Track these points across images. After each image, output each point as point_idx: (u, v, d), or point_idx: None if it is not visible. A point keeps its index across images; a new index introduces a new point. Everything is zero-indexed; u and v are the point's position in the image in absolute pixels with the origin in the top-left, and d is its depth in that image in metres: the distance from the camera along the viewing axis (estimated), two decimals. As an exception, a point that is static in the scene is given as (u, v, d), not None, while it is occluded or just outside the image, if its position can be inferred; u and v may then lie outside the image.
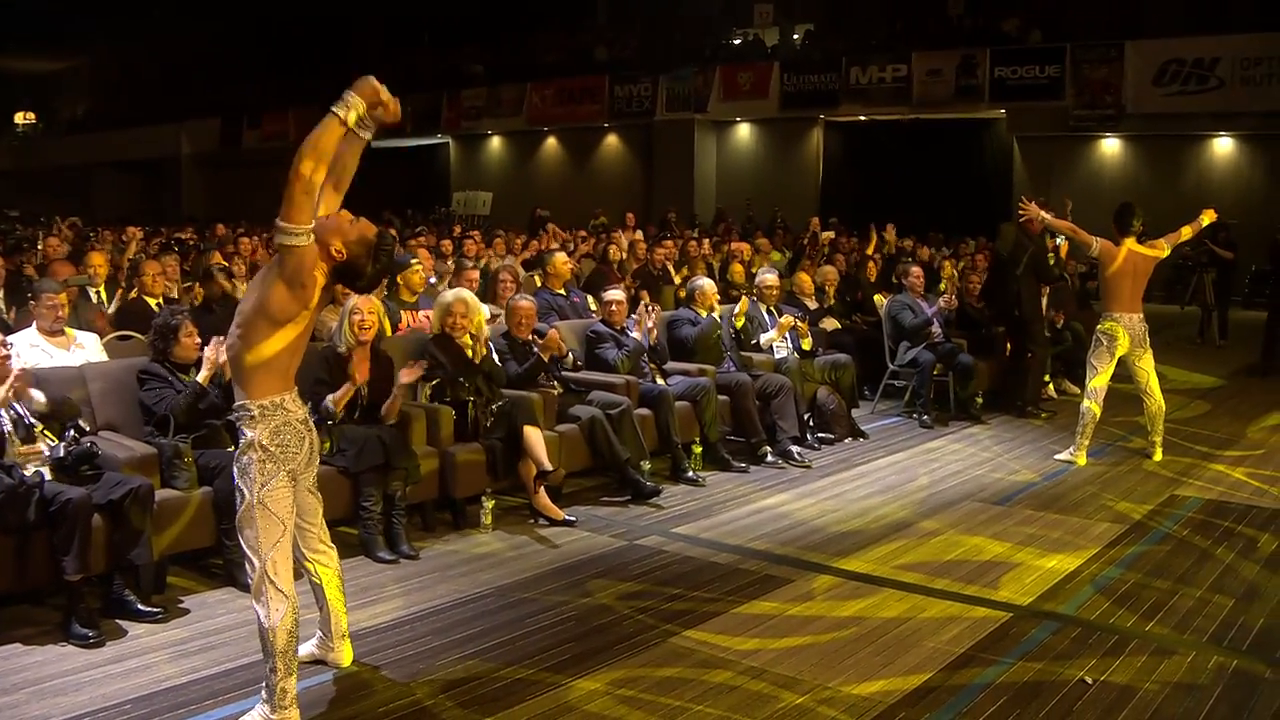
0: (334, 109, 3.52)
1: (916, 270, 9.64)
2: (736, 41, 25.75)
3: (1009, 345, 10.06)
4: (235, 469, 3.75)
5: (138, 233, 11.64)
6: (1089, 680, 4.32)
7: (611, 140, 26.47)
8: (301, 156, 3.47)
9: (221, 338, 5.53)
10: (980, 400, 9.54)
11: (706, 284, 8.64)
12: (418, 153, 28.20)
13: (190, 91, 32.10)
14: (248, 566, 3.76)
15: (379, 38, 29.56)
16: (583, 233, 15.02)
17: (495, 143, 27.70)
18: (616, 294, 7.79)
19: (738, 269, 12.01)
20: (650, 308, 7.84)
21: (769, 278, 9.08)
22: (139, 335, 6.70)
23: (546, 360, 6.94)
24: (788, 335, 8.73)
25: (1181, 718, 4.04)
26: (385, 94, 3.61)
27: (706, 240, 14.54)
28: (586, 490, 7.13)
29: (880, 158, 22.32)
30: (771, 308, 9.01)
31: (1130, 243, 7.91)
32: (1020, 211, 8.93)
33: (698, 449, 7.60)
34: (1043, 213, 8.47)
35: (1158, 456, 7.92)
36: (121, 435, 5.45)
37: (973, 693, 4.22)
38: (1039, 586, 5.38)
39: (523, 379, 6.88)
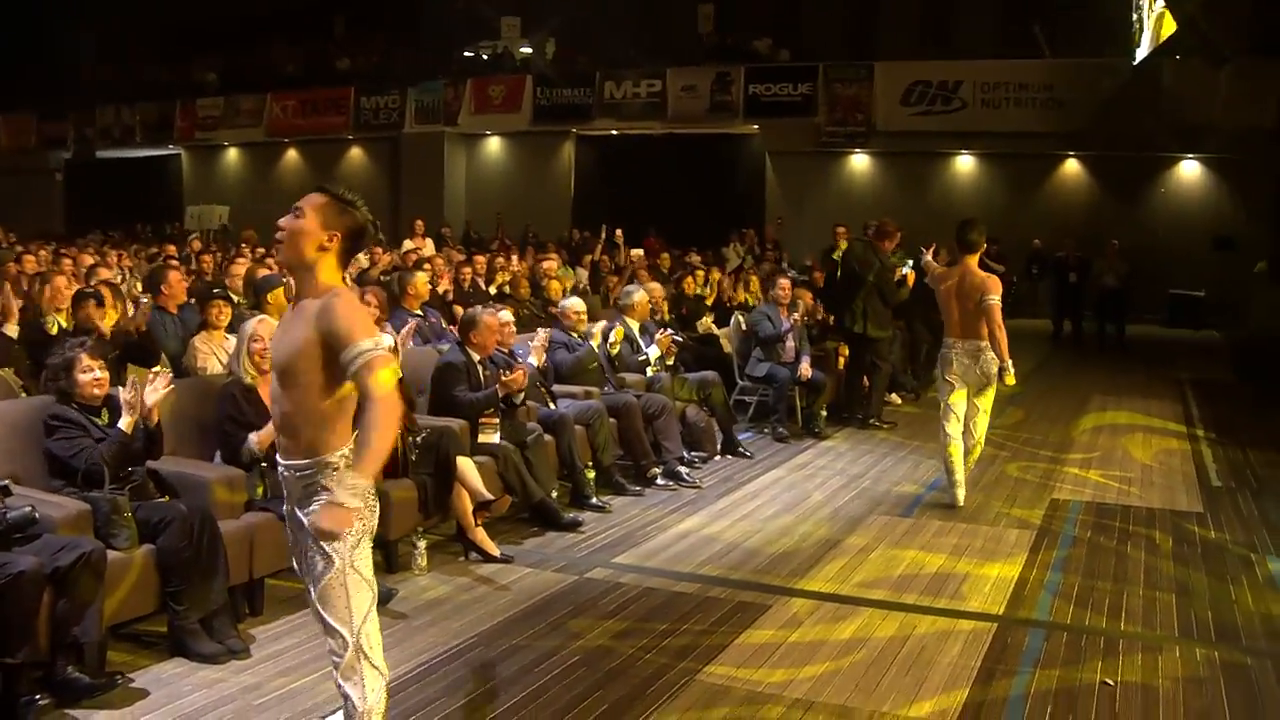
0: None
1: (784, 282, 9.79)
2: (485, 56, 25.51)
3: (843, 359, 10.43)
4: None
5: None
6: (1109, 682, 4.51)
7: (356, 153, 25.66)
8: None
9: (139, 381, 4.90)
10: (824, 414, 9.82)
11: (575, 303, 8.48)
12: (147, 164, 26.21)
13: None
14: (331, 642, 3.26)
15: (93, 43, 27.26)
16: (378, 250, 14.32)
17: (232, 154, 26.17)
18: (506, 315, 7.49)
19: (555, 286, 11.83)
20: (544, 331, 7.59)
21: (639, 296, 8.96)
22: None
23: (502, 397, 6.56)
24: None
25: (1210, 709, 4.30)
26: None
27: (516, 257, 14.24)
28: (493, 522, 6.77)
29: (634, 171, 22.55)
30: (643, 325, 8.91)
31: (971, 261, 7.25)
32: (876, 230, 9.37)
33: (590, 473, 7.41)
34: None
35: (960, 500, 7.20)
36: (29, 489, 4.70)
37: (1018, 704, 4.31)
38: (1000, 594, 5.57)
39: (475, 407, 6.49)
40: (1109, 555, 6.24)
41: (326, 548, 3.23)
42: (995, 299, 6.97)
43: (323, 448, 3.24)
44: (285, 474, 3.30)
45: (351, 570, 3.24)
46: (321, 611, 3.26)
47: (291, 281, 4.09)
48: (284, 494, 3.40)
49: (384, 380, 3.04)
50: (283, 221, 3.29)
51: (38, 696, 4.02)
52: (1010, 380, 7.05)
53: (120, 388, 4.92)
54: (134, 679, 4.40)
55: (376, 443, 2.99)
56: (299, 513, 3.29)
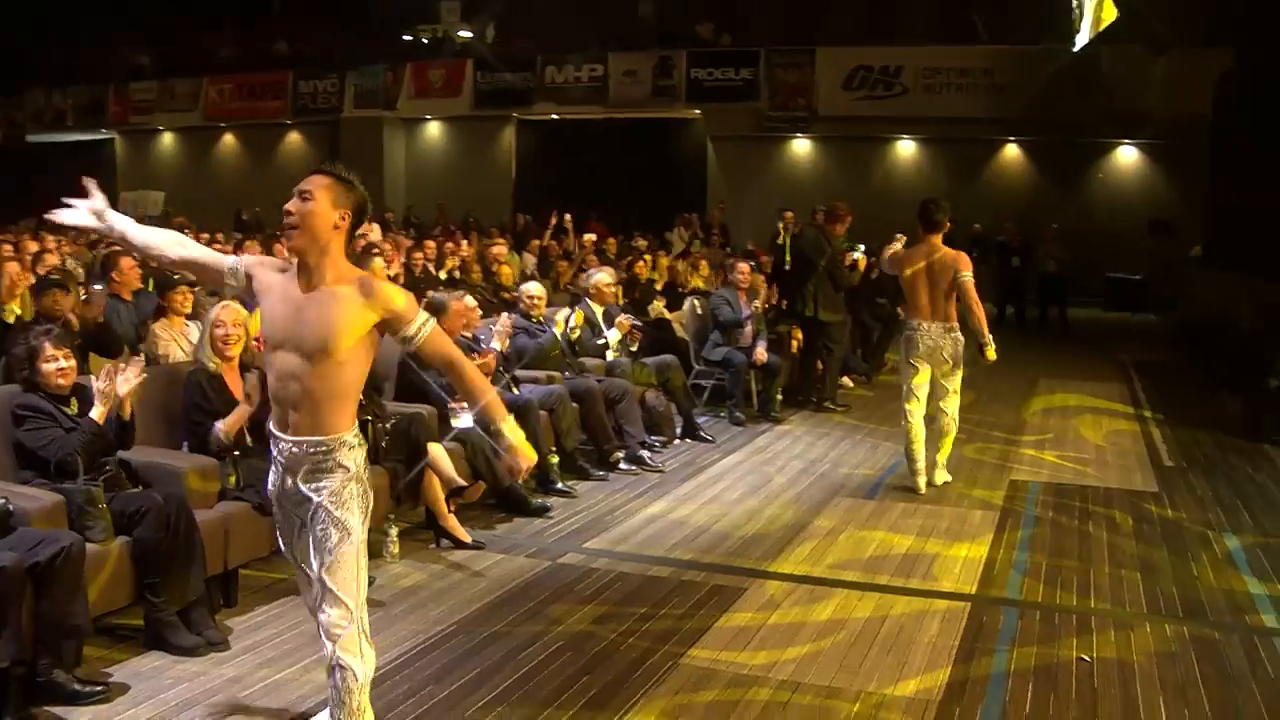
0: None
1: (743, 266, 9.78)
2: (425, 39, 25.21)
3: (795, 343, 10.48)
4: (330, 504, 3.24)
5: None
6: (1087, 658, 4.60)
7: (294, 138, 25.28)
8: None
9: (113, 367, 4.79)
10: (780, 398, 9.86)
11: (534, 287, 8.45)
12: (79, 149, 25.58)
13: None
14: (334, 613, 3.24)
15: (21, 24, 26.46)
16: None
17: (168, 139, 25.65)
18: (471, 300, 7.43)
19: (506, 271, 11.78)
20: (508, 316, 7.55)
21: (603, 279, 8.92)
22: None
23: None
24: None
25: (1185, 683, 4.40)
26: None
27: (465, 242, 14.11)
28: (461, 508, 6.72)
29: (576, 156, 22.45)
30: (605, 310, 8.87)
31: (936, 241, 7.08)
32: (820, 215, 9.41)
33: (554, 458, 7.38)
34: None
35: (921, 487, 7.19)
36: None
37: (1000, 681, 4.39)
38: (970, 574, 5.66)
39: (448, 392, 6.41)
40: (1072, 534, 6.36)
41: (342, 520, 3.24)
42: (969, 274, 6.96)
43: (341, 426, 3.29)
44: (293, 450, 3.27)
45: (362, 544, 3.28)
46: (329, 583, 3.26)
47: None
48: (278, 471, 3.37)
49: (447, 337, 3.47)
50: (291, 206, 3.25)
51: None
52: (991, 355, 7.12)
53: (94, 377, 4.81)
54: (113, 674, 4.31)
55: (489, 389, 3.42)
56: (303, 488, 3.28)
